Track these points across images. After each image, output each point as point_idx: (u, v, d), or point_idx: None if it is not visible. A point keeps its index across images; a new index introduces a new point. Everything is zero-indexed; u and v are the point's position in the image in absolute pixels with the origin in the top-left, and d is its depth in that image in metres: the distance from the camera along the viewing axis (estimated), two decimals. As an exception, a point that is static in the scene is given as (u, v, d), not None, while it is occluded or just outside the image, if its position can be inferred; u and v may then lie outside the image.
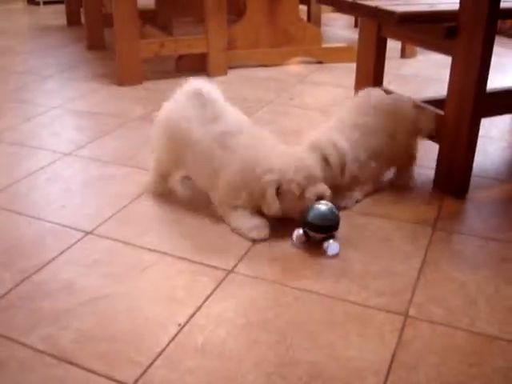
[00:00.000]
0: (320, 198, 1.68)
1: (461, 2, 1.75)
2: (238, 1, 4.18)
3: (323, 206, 1.64)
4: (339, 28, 4.69)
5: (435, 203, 1.89)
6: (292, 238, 1.65)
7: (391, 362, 1.24)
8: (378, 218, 1.80)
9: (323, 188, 1.69)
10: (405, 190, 1.98)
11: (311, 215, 1.63)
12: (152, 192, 1.93)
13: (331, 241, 1.62)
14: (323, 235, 1.63)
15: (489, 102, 1.86)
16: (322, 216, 1.63)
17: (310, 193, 1.67)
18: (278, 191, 1.67)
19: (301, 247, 1.64)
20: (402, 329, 1.34)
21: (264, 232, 1.69)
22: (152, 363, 1.23)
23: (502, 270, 1.56)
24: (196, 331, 1.31)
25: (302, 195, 1.67)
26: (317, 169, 1.72)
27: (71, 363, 1.22)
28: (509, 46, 4.05)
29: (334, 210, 1.65)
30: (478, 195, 1.95)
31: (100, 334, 1.30)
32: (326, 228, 1.63)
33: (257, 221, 1.72)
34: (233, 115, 1.83)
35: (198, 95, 1.82)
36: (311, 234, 1.63)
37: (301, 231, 1.65)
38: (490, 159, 2.25)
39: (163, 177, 1.93)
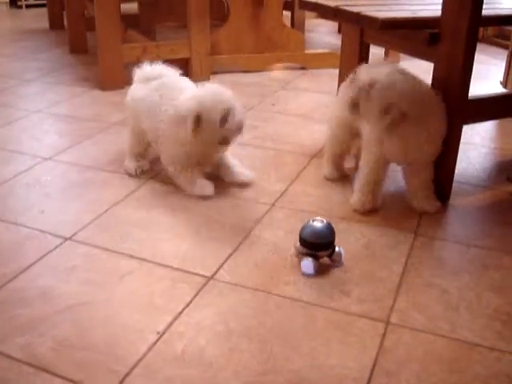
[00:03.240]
0: (239, 127, 1.86)
1: (443, 9, 1.76)
2: (222, 6, 4.17)
3: (317, 223, 1.56)
4: (323, 34, 4.70)
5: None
6: (302, 271, 1.55)
7: (372, 369, 1.23)
8: (360, 224, 1.79)
9: (242, 117, 1.87)
10: (386, 196, 1.97)
11: (306, 233, 1.56)
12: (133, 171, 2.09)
13: (309, 258, 1.54)
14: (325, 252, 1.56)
15: (471, 108, 1.87)
16: (316, 232, 1.55)
17: (231, 123, 1.84)
18: (198, 120, 1.82)
19: (316, 274, 1.55)
20: (384, 336, 1.33)
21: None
22: (130, 372, 1.21)
23: (484, 276, 1.57)
24: (175, 339, 1.30)
25: (221, 125, 1.83)
26: (235, 100, 1.88)
27: (48, 372, 1.20)
28: (490, 53, 4.08)
29: (329, 226, 1.57)
30: (459, 202, 1.96)
31: (78, 342, 1.28)
32: (323, 245, 1.55)
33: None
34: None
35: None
36: (317, 253, 1.55)
37: (310, 259, 1.54)
38: (472, 166, 2.25)
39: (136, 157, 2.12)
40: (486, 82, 3.33)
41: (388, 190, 2.01)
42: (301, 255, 1.57)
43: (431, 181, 1.86)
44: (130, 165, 2.10)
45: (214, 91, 1.88)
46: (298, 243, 1.58)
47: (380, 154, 1.81)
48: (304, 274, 1.55)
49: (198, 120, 1.81)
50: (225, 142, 1.89)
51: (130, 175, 2.07)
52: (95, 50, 3.08)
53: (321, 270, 1.56)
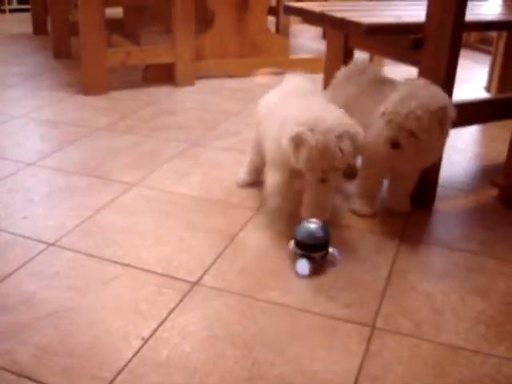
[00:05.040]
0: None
1: (427, 15, 1.77)
2: (207, 11, 4.17)
3: (312, 224, 1.58)
4: (307, 39, 4.71)
5: (402, 214, 1.89)
6: (296, 270, 1.56)
7: (358, 374, 1.23)
8: (345, 229, 1.79)
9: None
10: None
11: (300, 234, 1.57)
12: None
13: (304, 259, 1.56)
14: (319, 253, 1.57)
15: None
16: (311, 234, 1.56)
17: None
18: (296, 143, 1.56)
19: (311, 275, 1.56)
20: (369, 340, 1.33)
21: None
22: (115, 378, 1.20)
23: (468, 280, 1.57)
24: (160, 345, 1.29)
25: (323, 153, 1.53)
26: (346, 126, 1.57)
27: (31, 379, 1.19)
28: (474, 59, 4.11)
29: (324, 227, 1.58)
30: (444, 206, 1.96)
31: (61, 349, 1.27)
32: (318, 246, 1.56)
33: None
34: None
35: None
36: (312, 254, 1.56)
37: (304, 260, 1.56)
38: (456, 170, 2.27)
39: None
40: (470, 86, 3.36)
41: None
42: (296, 256, 1.58)
43: (414, 184, 1.87)
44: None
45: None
46: (293, 244, 1.59)
47: (384, 163, 1.81)
48: (299, 275, 1.55)
49: None
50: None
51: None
52: (79, 54, 3.06)
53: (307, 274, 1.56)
